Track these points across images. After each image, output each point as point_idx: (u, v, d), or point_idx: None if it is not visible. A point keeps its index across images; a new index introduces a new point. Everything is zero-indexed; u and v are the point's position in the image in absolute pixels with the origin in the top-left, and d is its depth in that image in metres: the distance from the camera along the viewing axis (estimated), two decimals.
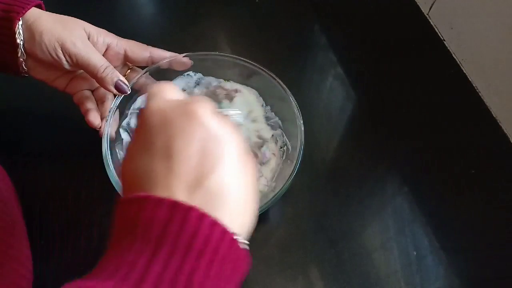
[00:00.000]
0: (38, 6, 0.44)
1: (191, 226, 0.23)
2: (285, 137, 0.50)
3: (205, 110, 0.27)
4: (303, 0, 0.68)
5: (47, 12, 0.44)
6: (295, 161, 0.45)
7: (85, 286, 0.22)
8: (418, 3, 0.67)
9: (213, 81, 0.54)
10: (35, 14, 0.42)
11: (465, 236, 0.49)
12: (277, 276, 0.46)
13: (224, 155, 0.26)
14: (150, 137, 0.27)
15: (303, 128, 0.47)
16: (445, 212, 0.50)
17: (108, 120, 0.46)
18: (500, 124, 0.56)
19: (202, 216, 0.24)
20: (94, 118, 0.46)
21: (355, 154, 0.54)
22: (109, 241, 0.25)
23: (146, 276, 0.22)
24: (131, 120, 0.51)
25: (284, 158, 0.49)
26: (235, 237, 0.25)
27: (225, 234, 0.24)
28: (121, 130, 0.49)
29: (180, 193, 0.25)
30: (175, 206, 0.24)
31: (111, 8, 0.67)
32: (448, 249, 0.47)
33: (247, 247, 0.26)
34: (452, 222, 0.49)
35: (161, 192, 0.25)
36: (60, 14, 0.44)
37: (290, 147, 0.49)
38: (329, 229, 0.48)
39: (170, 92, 0.29)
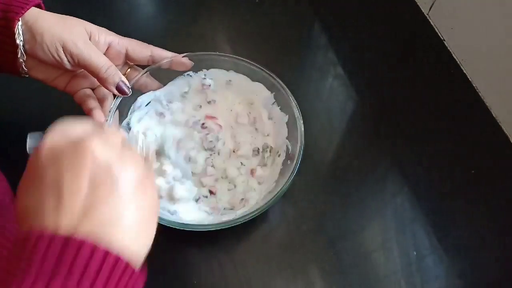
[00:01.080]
0: (38, 6, 0.43)
1: (83, 257, 0.24)
2: (285, 137, 0.50)
3: (97, 143, 0.28)
4: (303, 0, 0.68)
5: (47, 12, 0.43)
6: (295, 161, 0.45)
7: None
8: (418, 3, 0.67)
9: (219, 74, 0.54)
10: (35, 14, 0.42)
11: (465, 236, 0.49)
12: (277, 276, 0.46)
13: (116, 184, 0.27)
14: (40, 173, 0.27)
15: (303, 128, 0.47)
16: (445, 212, 0.50)
17: (108, 121, 0.46)
18: (500, 124, 0.56)
19: (94, 248, 0.25)
20: (99, 116, 0.46)
21: (355, 154, 0.54)
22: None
23: None
24: (131, 120, 0.51)
25: (284, 158, 0.49)
26: (124, 261, 0.26)
27: (117, 261, 0.25)
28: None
29: (68, 224, 0.25)
30: (69, 240, 0.24)
31: (111, 8, 0.67)
32: (448, 249, 0.47)
33: (140, 268, 0.27)
34: (452, 222, 0.49)
35: (49, 225, 0.25)
36: (60, 13, 0.44)
37: (290, 147, 0.49)
38: (329, 229, 0.48)
39: (71, 129, 0.29)
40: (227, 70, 0.53)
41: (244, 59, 0.51)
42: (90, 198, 0.26)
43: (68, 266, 0.24)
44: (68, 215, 0.26)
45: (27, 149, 0.37)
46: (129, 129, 0.50)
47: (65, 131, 0.29)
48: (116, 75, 0.44)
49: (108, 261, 0.25)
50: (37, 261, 0.24)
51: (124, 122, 0.50)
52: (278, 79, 0.50)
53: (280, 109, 0.51)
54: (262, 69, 0.50)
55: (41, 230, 0.25)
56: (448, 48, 0.63)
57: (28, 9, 0.42)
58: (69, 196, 0.26)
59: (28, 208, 0.27)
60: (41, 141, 0.28)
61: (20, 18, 0.41)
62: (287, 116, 0.50)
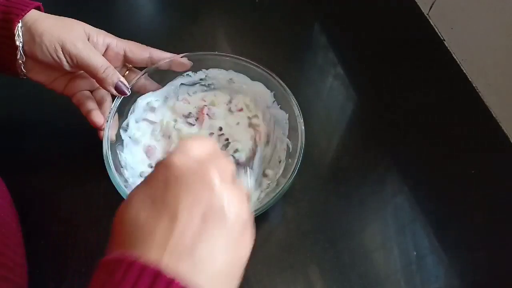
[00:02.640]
0: (37, 8, 0.44)
1: None
2: (285, 137, 0.50)
3: (218, 176, 0.27)
4: (303, 0, 0.68)
5: (47, 14, 0.44)
6: (295, 161, 0.45)
7: None
8: (418, 3, 0.67)
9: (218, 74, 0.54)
10: (34, 16, 0.42)
11: (465, 236, 0.49)
12: (277, 276, 0.46)
13: (222, 228, 0.26)
14: (160, 191, 0.27)
15: (303, 128, 0.47)
16: (445, 212, 0.50)
17: (108, 122, 0.46)
18: (500, 124, 0.56)
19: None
20: (97, 118, 0.46)
21: (355, 154, 0.54)
22: None
23: None
24: (130, 122, 0.51)
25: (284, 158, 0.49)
26: None
27: None
28: (121, 131, 0.49)
29: (170, 258, 0.24)
30: (158, 276, 0.23)
31: (111, 8, 0.67)
32: (448, 249, 0.47)
33: None
34: (452, 222, 0.49)
35: (151, 251, 0.25)
36: (60, 15, 0.44)
37: (290, 147, 0.49)
38: (329, 229, 0.48)
39: (198, 147, 0.29)
40: (227, 69, 0.53)
41: (244, 58, 0.51)
42: (196, 235, 0.25)
43: None
44: (172, 248, 0.25)
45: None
46: (126, 130, 0.50)
47: (189, 152, 0.28)
48: (114, 76, 0.44)
49: None
50: None
51: (124, 123, 0.50)
52: (278, 78, 0.50)
53: (280, 108, 0.51)
54: (262, 69, 0.50)
55: (136, 261, 0.24)
56: (448, 48, 0.63)
57: (28, 11, 0.42)
58: (182, 227, 0.25)
59: (138, 221, 0.26)
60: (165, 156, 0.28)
61: (20, 20, 0.41)
62: (287, 115, 0.50)
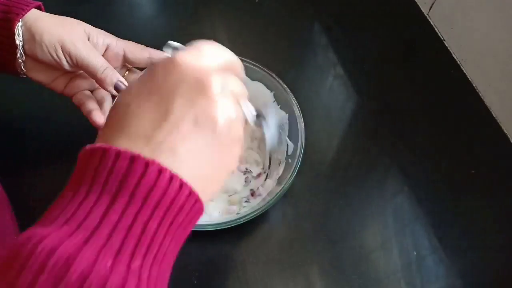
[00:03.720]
0: (38, 8, 0.44)
1: (150, 178, 0.24)
2: (285, 136, 0.50)
3: (220, 87, 0.27)
4: (303, 0, 0.68)
5: (47, 13, 0.44)
6: (295, 161, 0.45)
7: (41, 235, 0.22)
8: (418, 3, 0.67)
9: None
10: (34, 15, 0.42)
11: (465, 236, 0.49)
12: (277, 276, 0.46)
13: (209, 135, 0.27)
14: (158, 85, 0.27)
15: (303, 128, 0.47)
16: (445, 212, 0.50)
17: None
18: (500, 124, 0.56)
19: (161, 170, 0.24)
20: (98, 118, 0.46)
21: (355, 154, 0.54)
22: (64, 190, 0.26)
23: (102, 223, 0.23)
24: None
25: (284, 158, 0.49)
26: (193, 190, 0.25)
27: (182, 187, 0.25)
28: None
29: (151, 151, 0.25)
30: (135, 159, 0.24)
31: (111, 8, 0.67)
32: (448, 249, 0.47)
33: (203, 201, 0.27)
34: (452, 222, 0.49)
35: (135, 141, 0.25)
36: (60, 15, 0.44)
37: (290, 147, 0.49)
38: (329, 229, 0.48)
39: (212, 55, 0.29)
40: None
41: (244, 58, 0.51)
42: (182, 134, 0.26)
43: (132, 186, 0.24)
44: (158, 140, 0.25)
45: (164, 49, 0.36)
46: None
47: (201, 57, 0.29)
48: (113, 76, 0.44)
49: (173, 184, 0.24)
50: (102, 178, 0.24)
51: None
52: (278, 79, 0.50)
53: (280, 108, 0.51)
54: (262, 69, 0.50)
55: (113, 148, 0.24)
56: (448, 48, 0.63)
57: (28, 10, 0.42)
58: (169, 125, 0.26)
59: (129, 107, 0.27)
60: (178, 52, 0.29)
61: (20, 19, 0.42)
62: (287, 115, 0.50)
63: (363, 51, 0.63)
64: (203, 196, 0.26)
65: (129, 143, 0.25)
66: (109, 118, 0.28)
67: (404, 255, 0.47)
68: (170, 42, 0.35)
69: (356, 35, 0.65)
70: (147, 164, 0.24)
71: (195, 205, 0.26)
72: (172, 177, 0.24)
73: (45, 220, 0.24)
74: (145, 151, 0.25)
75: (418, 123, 0.56)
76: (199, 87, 0.27)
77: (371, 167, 0.53)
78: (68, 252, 0.21)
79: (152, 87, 0.27)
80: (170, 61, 0.28)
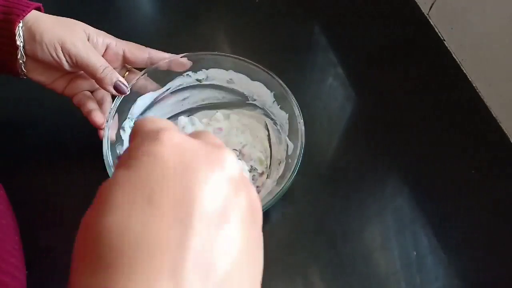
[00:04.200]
0: (38, 9, 0.44)
1: None
2: (285, 136, 0.50)
3: (235, 158, 0.21)
4: (303, 0, 0.68)
5: (47, 14, 0.44)
6: (295, 161, 0.45)
7: None
8: (418, 3, 0.67)
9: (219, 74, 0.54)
10: (35, 15, 0.43)
11: (465, 236, 0.49)
12: (277, 276, 0.46)
13: (249, 229, 0.20)
14: (159, 182, 0.18)
15: (303, 128, 0.47)
16: (445, 212, 0.50)
17: (109, 122, 0.46)
18: (500, 124, 0.56)
19: None
20: (98, 118, 0.46)
21: (355, 154, 0.54)
22: None
23: None
24: (130, 122, 0.51)
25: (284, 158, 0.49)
26: None
27: None
28: (121, 132, 0.49)
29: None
30: None
31: (111, 8, 0.67)
32: (448, 249, 0.47)
33: None
34: (452, 222, 0.49)
35: (163, 282, 0.16)
36: (60, 15, 0.45)
37: (290, 147, 0.49)
38: (329, 229, 0.48)
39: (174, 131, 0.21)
40: (227, 69, 0.53)
41: (244, 58, 0.51)
42: (214, 243, 0.18)
43: None
44: (190, 273, 0.16)
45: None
46: (126, 131, 0.50)
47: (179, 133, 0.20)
48: (113, 75, 0.44)
49: None
50: None
51: (124, 123, 0.50)
52: (278, 78, 0.50)
53: (280, 108, 0.51)
54: (262, 69, 0.50)
55: None
56: (448, 48, 0.63)
57: (29, 11, 0.42)
58: (198, 232, 0.17)
59: (126, 235, 0.17)
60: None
61: (20, 20, 0.42)
62: (288, 115, 0.50)
63: (363, 51, 0.63)
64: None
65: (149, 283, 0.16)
66: (90, 254, 0.17)
67: (404, 255, 0.47)
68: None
69: (356, 35, 0.65)
70: None
71: None
72: None
73: None
74: None
75: (418, 123, 0.56)
76: (217, 165, 0.19)
77: (371, 167, 0.53)
78: None
79: (149, 187, 0.18)
80: (154, 141, 0.19)
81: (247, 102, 0.54)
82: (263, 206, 0.43)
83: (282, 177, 0.47)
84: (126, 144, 0.50)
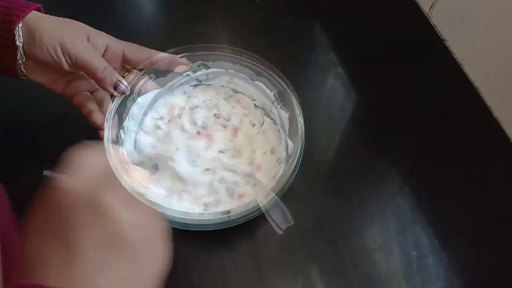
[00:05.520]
0: (37, 10, 0.44)
1: None
2: (285, 136, 0.50)
3: (113, 199, 0.27)
4: (304, 0, 0.68)
5: (46, 15, 0.44)
6: (295, 161, 0.45)
7: None
8: (419, 3, 0.67)
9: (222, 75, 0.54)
10: (34, 16, 0.43)
11: (465, 236, 0.49)
12: (277, 276, 0.46)
13: (122, 254, 0.26)
14: (54, 220, 0.27)
15: (303, 128, 0.47)
16: (445, 212, 0.50)
17: (108, 122, 0.46)
18: (500, 124, 0.56)
19: None
20: (98, 118, 0.46)
21: (355, 154, 0.54)
22: None
23: None
24: (130, 122, 0.51)
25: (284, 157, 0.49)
26: None
27: None
28: (121, 132, 0.49)
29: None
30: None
31: (111, 8, 0.67)
32: (448, 249, 0.47)
33: None
34: (452, 222, 0.49)
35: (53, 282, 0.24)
36: (59, 15, 0.45)
37: (290, 147, 0.49)
38: (329, 229, 0.48)
39: (89, 164, 0.29)
40: (227, 69, 0.53)
41: (244, 58, 0.51)
42: (98, 264, 0.26)
43: None
44: (69, 276, 0.25)
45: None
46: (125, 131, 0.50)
47: (80, 172, 0.28)
48: (113, 76, 0.44)
49: None
50: None
51: (124, 124, 0.50)
52: (278, 78, 0.50)
53: (281, 107, 0.51)
54: (262, 68, 0.51)
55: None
56: (449, 48, 0.63)
57: (29, 12, 0.42)
58: (79, 254, 0.25)
59: (35, 253, 0.26)
60: (56, 177, 0.28)
61: (20, 21, 0.42)
62: (288, 114, 0.50)
63: (363, 51, 0.63)
64: None
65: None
66: (25, 260, 0.27)
67: (404, 255, 0.47)
68: (45, 172, 0.33)
69: (356, 35, 0.65)
70: None
71: None
72: None
73: None
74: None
75: (419, 123, 0.56)
76: (93, 208, 0.26)
77: (371, 167, 0.53)
78: None
79: (48, 222, 0.27)
80: (55, 190, 0.28)
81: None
82: (263, 206, 0.43)
83: (282, 177, 0.47)
84: (126, 144, 0.50)
